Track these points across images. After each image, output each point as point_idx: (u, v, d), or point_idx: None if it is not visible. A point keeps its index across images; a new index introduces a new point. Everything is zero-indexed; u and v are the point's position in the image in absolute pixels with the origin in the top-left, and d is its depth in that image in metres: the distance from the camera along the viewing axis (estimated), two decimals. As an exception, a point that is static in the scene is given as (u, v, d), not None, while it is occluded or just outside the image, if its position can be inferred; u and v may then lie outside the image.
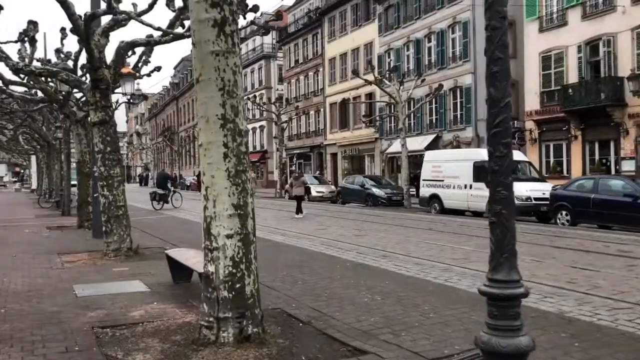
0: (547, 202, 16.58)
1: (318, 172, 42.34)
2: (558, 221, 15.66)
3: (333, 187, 30.99)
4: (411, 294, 6.72)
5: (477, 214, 19.34)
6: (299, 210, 19.50)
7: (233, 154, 4.90)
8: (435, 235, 12.93)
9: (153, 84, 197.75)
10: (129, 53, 15.62)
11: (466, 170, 19.19)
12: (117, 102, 18.87)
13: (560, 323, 5.42)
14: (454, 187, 19.75)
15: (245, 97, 41.45)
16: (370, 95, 36.56)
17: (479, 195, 18.56)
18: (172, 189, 26.30)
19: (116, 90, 15.66)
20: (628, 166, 22.14)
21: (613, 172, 22.53)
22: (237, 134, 4.96)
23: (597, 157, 24.02)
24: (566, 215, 15.41)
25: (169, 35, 11.13)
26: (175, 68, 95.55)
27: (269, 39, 55.26)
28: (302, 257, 9.74)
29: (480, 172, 18.75)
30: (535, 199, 17.05)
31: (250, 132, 58.23)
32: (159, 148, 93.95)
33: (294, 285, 7.49)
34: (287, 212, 21.35)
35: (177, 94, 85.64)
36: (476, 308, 5.99)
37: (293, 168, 49.75)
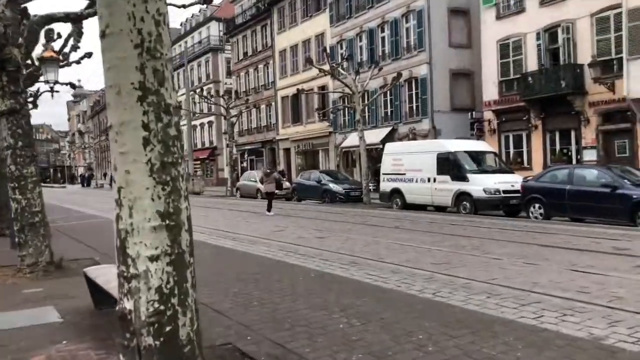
0: (517, 195, 15.63)
1: (272, 169, 40.79)
2: (531, 215, 14.71)
3: (287, 183, 29.43)
4: (397, 316, 5.35)
5: (440, 209, 18.30)
6: (270, 207, 18.19)
7: (158, 140, 3.40)
8: (405, 235, 11.65)
9: (97, 81, 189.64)
10: (54, 37, 13.74)
11: (429, 163, 18.07)
12: (37, 91, 16.53)
13: (602, 356, 4.15)
14: (416, 181, 18.61)
15: (191, 91, 39.52)
16: (323, 88, 35.21)
17: (444, 188, 17.51)
18: None
19: (41, 79, 13.78)
20: (589, 156, 21.61)
21: (574, 162, 21.98)
22: (164, 110, 3.45)
23: (558, 147, 23.46)
24: (539, 208, 14.48)
25: (93, 8, 9.40)
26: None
27: (215, 31, 53.14)
28: (257, 268, 8.24)
29: (444, 164, 17.68)
30: (504, 191, 16.10)
31: (199, 127, 56.02)
32: (102, 147, 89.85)
33: (249, 307, 6.01)
34: (238, 212, 19.75)
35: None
36: (483, 334, 4.69)
37: (244, 164, 47.93)
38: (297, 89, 27.67)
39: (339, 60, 28.85)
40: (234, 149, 44.23)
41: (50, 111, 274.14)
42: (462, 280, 6.92)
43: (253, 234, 12.47)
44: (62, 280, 7.94)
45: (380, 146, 26.88)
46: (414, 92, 30.08)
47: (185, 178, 3.65)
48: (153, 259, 3.40)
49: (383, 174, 20.39)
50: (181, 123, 44.21)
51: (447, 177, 17.40)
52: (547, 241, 10.20)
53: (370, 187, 23.40)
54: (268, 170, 21.20)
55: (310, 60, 26.49)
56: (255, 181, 29.07)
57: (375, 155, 28.02)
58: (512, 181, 16.52)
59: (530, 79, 23.33)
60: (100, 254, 10.25)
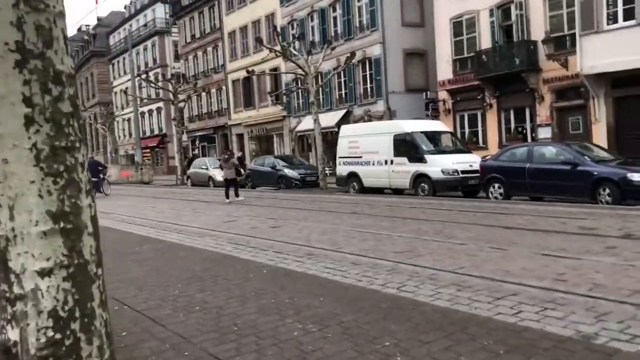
0: (476, 175, 15.27)
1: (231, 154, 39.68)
2: (490, 195, 14.35)
3: (241, 170, 28.46)
4: (360, 318, 4.68)
5: (397, 192, 17.83)
6: (230, 194, 17.46)
7: (45, 118, 2.57)
8: (363, 221, 11.03)
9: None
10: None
11: (386, 145, 17.51)
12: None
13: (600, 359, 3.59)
14: (373, 164, 18.04)
15: (137, 77, 37.85)
16: (275, 70, 34.26)
17: (401, 170, 17.01)
18: (103, 176, 25.43)
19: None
20: (544, 133, 21.57)
21: (529, 140, 21.90)
22: (53, 79, 2.63)
23: (513, 125, 23.38)
24: (499, 188, 14.13)
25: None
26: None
27: (161, 13, 51.14)
28: (203, 264, 7.44)
29: (401, 145, 17.16)
30: (463, 172, 15.71)
31: (147, 114, 54.12)
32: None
33: (190, 312, 5.24)
34: (188, 202, 18.76)
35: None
36: (458, 337, 4.08)
37: (196, 152, 46.53)
38: (247, 70, 26.60)
39: (290, 40, 27.95)
40: (184, 136, 42.83)
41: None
42: (428, 270, 6.32)
43: (202, 225, 11.60)
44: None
45: (336, 129, 26.25)
46: (368, 73, 29.54)
47: (86, 167, 2.84)
48: (44, 273, 2.59)
49: (339, 157, 19.74)
50: (128, 110, 42.67)
51: (405, 159, 16.90)
52: (511, 222, 9.76)
53: (326, 172, 22.77)
54: (226, 156, 20.25)
55: (261, 40, 25.53)
56: (207, 169, 28.00)
57: (331, 139, 27.39)
58: (470, 161, 16.16)
59: (484, 56, 23.08)
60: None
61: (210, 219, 12.99)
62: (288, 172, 23.26)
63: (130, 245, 9.47)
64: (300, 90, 32.03)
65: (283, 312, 5.03)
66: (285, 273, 6.64)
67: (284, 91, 31.23)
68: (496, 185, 14.20)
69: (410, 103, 27.39)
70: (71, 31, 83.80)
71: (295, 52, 24.41)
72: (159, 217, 13.86)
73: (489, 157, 15.72)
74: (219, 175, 26.95)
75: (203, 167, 28.71)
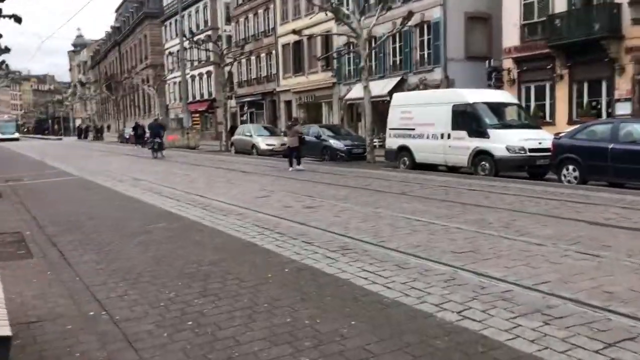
0: (546, 154, 13.33)
1: (295, 121, 38.51)
2: (563, 178, 12.43)
3: (286, 138, 27.14)
4: (405, 367, 3.23)
5: (453, 169, 16.03)
6: (293, 162, 17.06)
7: None
8: (414, 205, 9.44)
9: (98, 30, 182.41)
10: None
11: (443, 116, 15.68)
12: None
13: None
14: (427, 137, 16.27)
15: (186, 39, 36.80)
16: (326, 36, 32.46)
17: (459, 146, 15.21)
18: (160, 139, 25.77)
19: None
20: (623, 109, 19.12)
21: (604, 116, 19.55)
22: None
23: (585, 99, 20.95)
24: (574, 170, 12.19)
25: None
26: (117, 11, 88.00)
27: (213, -27, 49.76)
28: (216, 255, 6.12)
29: (460, 117, 15.31)
30: (531, 150, 13.79)
31: (197, 78, 53.42)
32: (102, 98, 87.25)
33: (178, 331, 3.94)
34: (225, 171, 17.56)
35: (119, 39, 78.87)
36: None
37: (244, 117, 45.53)
38: (294, 30, 24.93)
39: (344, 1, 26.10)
40: (232, 101, 41.80)
41: (54, 61, 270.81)
42: (499, 285, 4.76)
43: (231, 200, 10.31)
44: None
45: (388, 98, 24.40)
46: (425, 38, 27.39)
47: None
48: None
49: (390, 128, 18.01)
50: (178, 73, 42.00)
51: (464, 133, 15.05)
52: (597, 216, 7.97)
53: (375, 144, 21.12)
54: (290, 123, 19.29)
55: (310, -1, 23.73)
56: (251, 136, 26.79)
57: (382, 109, 25.54)
58: (540, 138, 14.19)
59: (557, 21, 20.63)
60: (36, 228, 8.19)
61: (242, 192, 11.70)
62: (333, 142, 21.72)
63: (145, 222, 8.28)
64: (351, 56, 30.20)
65: (297, 342, 3.63)
66: (312, 275, 5.23)
67: (334, 54, 29.43)
68: (570, 168, 12.26)
69: (470, 72, 25.18)
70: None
71: (347, 12, 22.56)
72: (188, 187, 12.68)
73: (563, 133, 13.69)
74: (262, 143, 25.80)
75: (247, 134, 27.50)
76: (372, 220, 7.97)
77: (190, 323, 4.11)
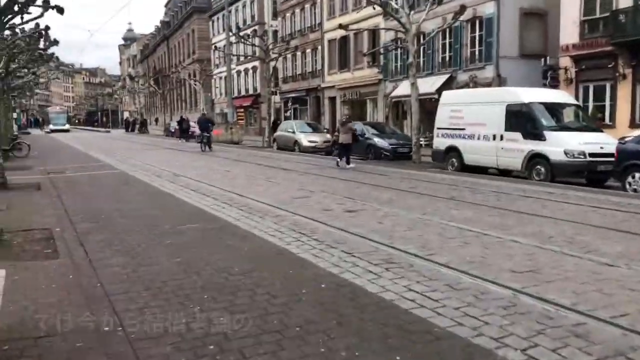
0: (609, 160, 12.34)
1: (349, 118, 38.00)
2: (628, 187, 11.45)
3: (329, 135, 26.61)
4: None
5: (504, 173, 15.11)
6: (346, 159, 16.83)
7: None
8: (464, 212, 8.74)
9: (147, 24, 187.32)
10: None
11: (496, 116, 14.81)
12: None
13: None
14: (478, 138, 15.43)
15: (232, 34, 36.68)
16: (373, 31, 31.74)
17: (512, 148, 14.34)
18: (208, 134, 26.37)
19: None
20: (692, 112, 17.75)
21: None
22: None
23: (650, 101, 19.60)
24: (640, 179, 11.23)
25: None
26: (166, 5, 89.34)
27: (262, -33, 49.61)
28: (248, 263, 5.63)
29: (515, 118, 14.43)
30: (591, 154, 12.82)
31: (242, 73, 53.48)
32: (150, 92, 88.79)
33: (199, 356, 3.49)
34: (265, 168, 17.15)
35: (168, 34, 79.97)
36: None
37: (288, 114, 45.23)
38: (340, 25, 24.33)
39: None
40: (277, 97, 41.50)
41: (106, 55, 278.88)
42: (568, 315, 4.09)
43: (269, 200, 9.84)
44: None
45: (436, 96, 23.57)
46: (477, 34, 26.29)
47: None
48: None
49: (437, 128, 17.23)
50: (224, 68, 42.44)
51: (518, 134, 14.16)
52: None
53: (421, 143, 20.32)
54: (344, 119, 19.10)
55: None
56: (293, 132, 26.37)
57: (429, 107, 24.70)
58: (601, 142, 13.18)
59: (621, 17, 19.36)
60: (68, 224, 7.92)
61: (281, 191, 11.23)
62: (378, 141, 21.04)
63: (178, 222, 7.89)
64: (398, 52, 29.39)
65: (332, 383, 3.08)
66: (351, 293, 4.66)
67: (381, 50, 28.66)
68: (637, 175, 11.27)
69: (524, 70, 24.00)
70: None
71: (396, 6, 21.82)
72: (227, 184, 12.30)
73: (629, 138, 12.64)
74: (305, 139, 25.35)
75: (289, 130, 27.09)
76: (419, 229, 7.34)
77: (212, 347, 3.62)
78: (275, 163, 18.71)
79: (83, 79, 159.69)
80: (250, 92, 52.28)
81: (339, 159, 17.08)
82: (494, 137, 14.86)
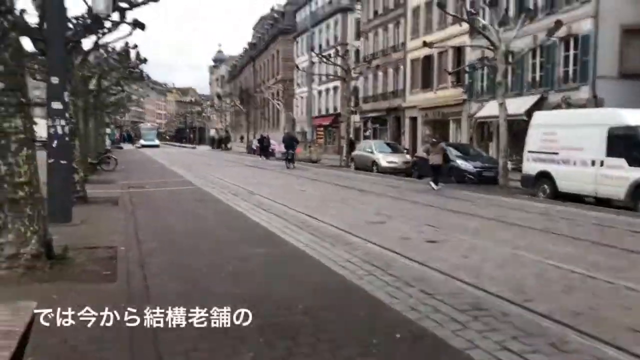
0: None
1: (439, 138, 37.22)
2: None
3: (408, 156, 25.68)
4: None
5: (603, 202, 13.62)
6: (436, 181, 16.69)
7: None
8: (563, 248, 7.67)
9: (236, 46, 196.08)
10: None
11: (595, 140, 13.43)
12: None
13: None
14: (574, 164, 14.07)
15: (315, 54, 36.85)
16: (459, 50, 30.66)
17: (614, 175, 12.92)
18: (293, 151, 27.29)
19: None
20: None
21: None
22: None
23: None
24: None
25: None
26: (254, 28, 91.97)
27: (346, -11, 49.81)
28: (313, 299, 4.98)
29: (618, 142, 13.01)
30: None
31: (323, 92, 53.70)
32: (237, 111, 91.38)
33: None
34: (340, 188, 16.56)
35: (254, 55, 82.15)
36: None
37: (367, 133, 44.67)
38: (424, 42, 23.53)
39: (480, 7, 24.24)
40: (355, 116, 41.01)
41: (198, 75, 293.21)
42: None
43: (342, 224, 9.19)
44: (48, 285, 5.36)
45: (525, 117, 22.18)
46: (571, 53, 24.60)
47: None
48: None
49: (528, 151, 15.95)
50: (306, 88, 42.98)
51: (622, 161, 12.73)
52: None
53: (508, 167, 19.01)
54: (434, 140, 18.84)
55: (443, 5, 22.23)
56: (372, 152, 25.69)
57: (516, 129, 23.26)
58: None
59: None
60: (134, 242, 7.67)
61: (356, 215, 10.56)
62: (461, 163, 19.92)
63: (244, 246, 7.41)
64: (484, 72, 28.08)
65: None
66: (432, 348, 3.90)
67: (466, 68, 27.51)
68: None
69: (623, 91, 22.05)
70: (265, 10, 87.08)
71: (484, 22, 20.76)
72: (300, 205, 11.79)
73: None
74: (383, 160, 24.60)
75: (368, 149, 26.44)
76: (511, 266, 6.41)
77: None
78: (351, 183, 18.09)
79: (175, 97, 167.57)
80: (331, 111, 52.29)
81: (433, 184, 16.64)
82: (593, 163, 13.47)
